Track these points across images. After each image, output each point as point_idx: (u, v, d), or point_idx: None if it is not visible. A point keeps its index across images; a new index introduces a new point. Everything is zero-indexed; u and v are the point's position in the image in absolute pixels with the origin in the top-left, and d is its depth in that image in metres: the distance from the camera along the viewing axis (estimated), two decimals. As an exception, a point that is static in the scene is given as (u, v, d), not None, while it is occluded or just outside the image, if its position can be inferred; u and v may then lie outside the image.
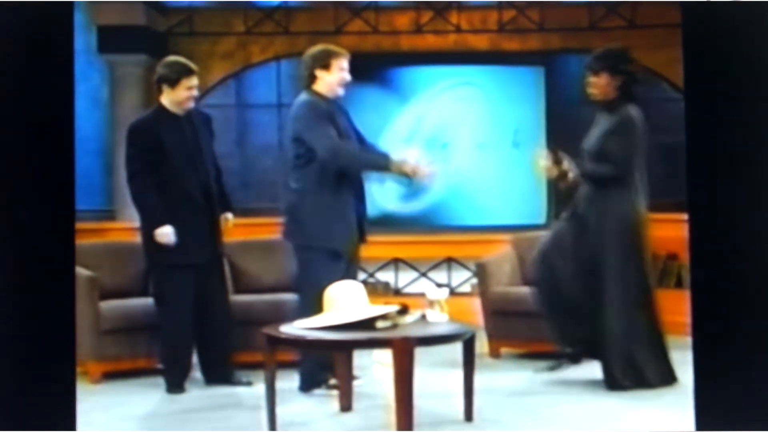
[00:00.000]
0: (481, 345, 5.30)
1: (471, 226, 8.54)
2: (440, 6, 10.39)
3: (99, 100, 10.24)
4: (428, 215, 10.13)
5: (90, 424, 4.21)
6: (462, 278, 7.94)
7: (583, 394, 4.90)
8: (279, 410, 4.18)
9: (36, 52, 2.69)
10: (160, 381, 5.15)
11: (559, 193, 10.54)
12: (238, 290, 5.83)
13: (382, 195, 10.24)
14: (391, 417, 3.97)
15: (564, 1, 10.39)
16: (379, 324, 4.08)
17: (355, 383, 4.71)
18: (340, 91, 4.93)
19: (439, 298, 4.38)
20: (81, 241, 4.79)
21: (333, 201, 4.82)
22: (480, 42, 10.18)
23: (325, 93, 4.89)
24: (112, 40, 9.67)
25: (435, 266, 8.28)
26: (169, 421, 4.51)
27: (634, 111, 4.96)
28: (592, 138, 5.01)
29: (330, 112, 4.85)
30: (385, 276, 8.17)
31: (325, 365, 4.85)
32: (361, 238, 4.99)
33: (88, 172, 9.25)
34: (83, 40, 9.55)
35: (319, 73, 4.89)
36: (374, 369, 5.19)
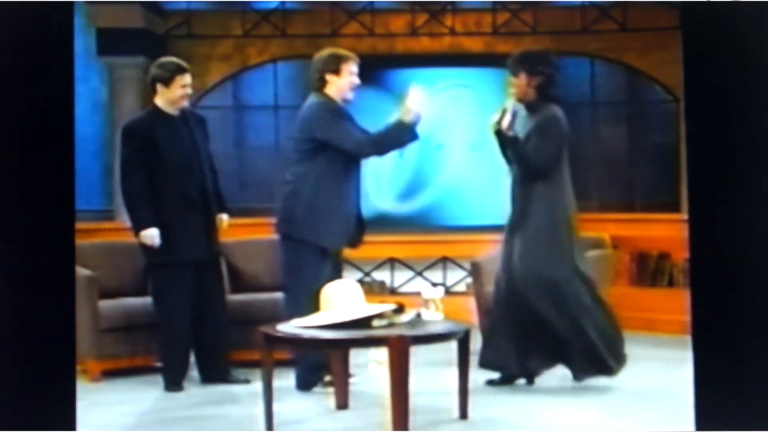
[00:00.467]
0: (476, 343, 5.33)
1: (466, 226, 8.59)
2: (435, 9, 10.43)
3: (98, 102, 10.28)
4: (423, 215, 10.18)
5: (89, 422, 4.23)
6: (457, 277, 7.98)
7: (583, 393, 4.94)
8: (276, 408, 4.21)
9: (36, 54, 2.70)
10: (159, 379, 5.19)
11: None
12: (236, 289, 5.86)
13: (377, 195, 10.28)
14: (387, 415, 4.00)
15: (557, 1, 10.43)
16: (375, 323, 4.12)
17: (351, 381, 4.75)
18: (350, 95, 4.99)
19: (435, 297, 4.41)
20: (80, 241, 4.84)
21: (332, 197, 4.87)
22: (474, 44, 10.24)
23: (334, 96, 4.95)
24: (111, 42, 9.71)
25: (430, 266, 8.31)
26: (168, 418, 4.54)
27: (555, 111, 4.99)
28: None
29: (344, 111, 4.96)
30: (381, 275, 8.20)
31: (322, 364, 4.89)
32: (358, 239, 5.05)
33: (88, 172, 9.30)
34: (82, 43, 9.58)
35: (329, 77, 4.94)
36: (370, 367, 5.22)
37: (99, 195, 9.78)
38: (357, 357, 4.97)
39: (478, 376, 4.90)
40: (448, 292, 7.53)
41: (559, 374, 5.14)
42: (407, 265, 8.31)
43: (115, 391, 5.14)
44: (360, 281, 7.38)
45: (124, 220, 6.53)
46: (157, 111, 5.21)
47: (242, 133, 11.20)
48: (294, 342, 4.26)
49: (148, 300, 5.38)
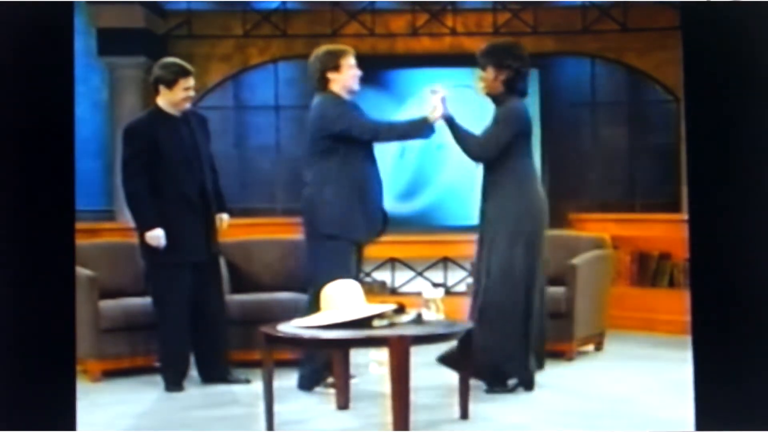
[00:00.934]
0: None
1: (466, 226, 8.56)
2: (436, 9, 10.43)
3: (99, 102, 10.29)
4: (424, 215, 10.19)
5: (89, 423, 4.23)
6: (458, 278, 7.97)
7: (583, 393, 4.94)
8: (277, 408, 4.21)
9: (36, 54, 2.70)
10: (159, 379, 5.19)
11: (553, 192, 10.60)
12: (237, 289, 5.86)
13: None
14: (388, 415, 3.99)
15: (558, 1, 10.43)
16: (376, 323, 4.12)
17: (352, 382, 4.75)
18: (356, 87, 4.99)
19: (435, 298, 4.41)
20: (81, 241, 4.84)
21: (356, 190, 4.86)
22: (475, 44, 10.17)
23: (339, 92, 4.94)
24: (111, 42, 9.72)
25: (431, 266, 8.31)
26: (168, 419, 4.54)
27: (515, 104, 4.90)
28: None
29: (354, 103, 4.97)
30: (382, 275, 8.20)
31: (324, 364, 4.89)
32: (383, 231, 5.05)
33: (88, 172, 9.31)
34: (83, 43, 9.60)
35: (330, 75, 4.93)
36: (371, 367, 5.21)
37: (99, 195, 9.79)
38: (358, 357, 4.97)
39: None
40: (449, 292, 7.52)
41: (558, 374, 5.15)
42: (408, 265, 8.31)
43: (116, 392, 5.14)
44: (361, 281, 7.37)
45: (125, 220, 6.54)
46: (159, 111, 5.21)
47: (243, 133, 11.22)
48: (294, 342, 4.26)
49: (148, 300, 5.38)
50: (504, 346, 4.76)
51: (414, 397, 4.01)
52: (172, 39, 10.28)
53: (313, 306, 4.58)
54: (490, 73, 4.94)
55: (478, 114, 5.07)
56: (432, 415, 4.39)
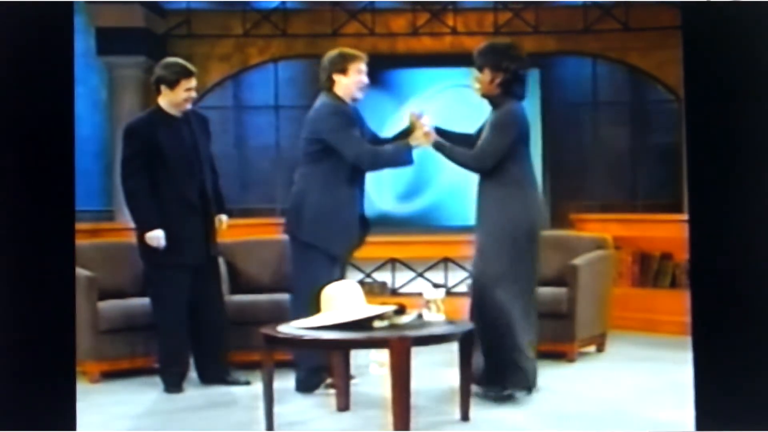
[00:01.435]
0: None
1: (467, 227, 8.55)
2: (436, 8, 10.43)
3: (98, 102, 10.28)
4: (425, 216, 10.18)
5: (88, 424, 4.23)
6: (458, 278, 7.97)
7: (583, 394, 4.93)
8: (276, 410, 4.20)
9: (36, 54, 2.71)
10: (158, 380, 5.18)
11: (555, 193, 10.61)
12: (236, 290, 5.85)
13: (378, 196, 10.27)
14: (388, 417, 3.98)
15: (559, 1, 10.42)
16: (376, 324, 4.11)
17: (353, 383, 4.74)
18: (359, 95, 4.97)
19: (436, 298, 4.40)
20: (80, 242, 4.83)
21: (338, 201, 4.85)
22: (476, 44, 10.17)
23: (343, 96, 4.93)
24: (111, 42, 9.71)
25: (431, 266, 8.31)
26: (167, 420, 4.53)
27: (512, 107, 4.78)
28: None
29: (352, 116, 4.92)
30: (382, 276, 8.20)
31: (323, 366, 4.88)
32: (363, 239, 5.04)
33: (88, 172, 9.30)
34: (82, 42, 9.58)
35: (336, 77, 4.92)
36: (371, 369, 5.21)
37: (99, 195, 9.78)
38: (358, 358, 4.96)
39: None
40: (450, 292, 7.51)
41: (557, 374, 5.14)
42: (408, 266, 8.30)
43: (115, 393, 5.13)
44: (361, 282, 7.37)
45: (124, 220, 6.52)
46: (160, 111, 5.20)
47: (242, 133, 11.21)
48: (295, 343, 4.25)
49: (147, 301, 5.37)
50: (499, 351, 4.71)
51: (414, 399, 3.99)
52: (171, 38, 10.28)
53: (296, 310, 4.60)
54: (487, 74, 4.82)
55: (479, 114, 5.04)
56: (432, 417, 4.38)
